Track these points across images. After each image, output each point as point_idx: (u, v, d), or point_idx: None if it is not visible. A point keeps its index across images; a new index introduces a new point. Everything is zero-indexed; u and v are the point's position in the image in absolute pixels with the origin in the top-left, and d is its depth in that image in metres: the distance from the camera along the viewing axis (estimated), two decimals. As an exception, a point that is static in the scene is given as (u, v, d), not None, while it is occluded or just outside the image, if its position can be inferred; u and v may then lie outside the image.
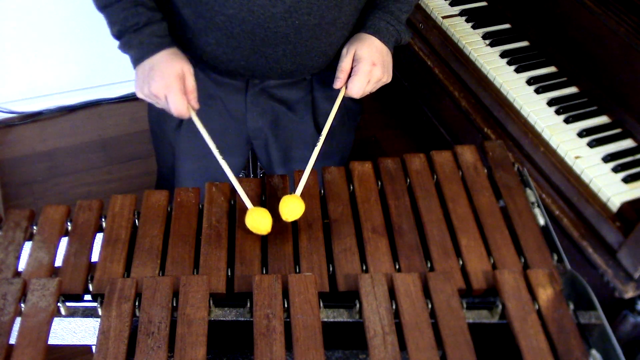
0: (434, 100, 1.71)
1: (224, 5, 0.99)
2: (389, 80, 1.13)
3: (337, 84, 1.09)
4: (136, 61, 1.04)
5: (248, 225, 0.89)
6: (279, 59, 1.07)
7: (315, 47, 1.08)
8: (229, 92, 1.17)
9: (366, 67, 1.07)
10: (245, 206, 0.91)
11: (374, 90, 1.13)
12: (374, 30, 1.10)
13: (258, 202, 0.94)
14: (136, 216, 0.92)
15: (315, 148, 1.00)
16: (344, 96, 1.09)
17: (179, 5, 1.05)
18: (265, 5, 0.98)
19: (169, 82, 1.00)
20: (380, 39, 1.10)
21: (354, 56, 1.09)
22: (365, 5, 1.13)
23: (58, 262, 0.86)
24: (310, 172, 0.97)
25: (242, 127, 1.21)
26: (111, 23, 1.05)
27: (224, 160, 0.98)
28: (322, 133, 1.03)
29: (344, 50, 1.10)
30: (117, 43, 1.07)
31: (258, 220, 0.89)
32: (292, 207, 0.90)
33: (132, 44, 1.03)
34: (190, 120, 1.18)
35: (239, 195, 0.93)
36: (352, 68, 1.09)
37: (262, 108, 1.19)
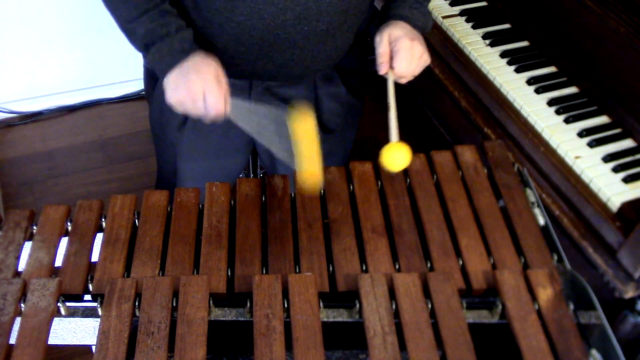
0: (434, 100, 1.71)
1: (234, 12, 0.99)
2: (429, 60, 1.10)
3: (382, 70, 1.06)
4: (166, 68, 1.00)
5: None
6: (285, 64, 1.08)
7: (322, 52, 1.08)
8: (232, 91, 1.17)
9: (406, 42, 1.04)
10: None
11: (419, 71, 1.09)
12: (401, 17, 1.09)
13: (258, 202, 0.94)
14: (136, 216, 0.92)
15: (391, 111, 1.00)
16: (393, 89, 1.06)
17: (188, 9, 1.05)
18: (276, 13, 0.98)
19: (207, 81, 0.97)
20: (409, 23, 1.08)
21: (389, 38, 1.06)
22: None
23: (58, 262, 0.86)
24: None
25: None
26: (139, 36, 1.01)
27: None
28: (390, 102, 1.02)
29: (377, 38, 1.07)
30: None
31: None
32: (398, 155, 0.90)
33: (163, 52, 1.00)
34: (193, 121, 1.17)
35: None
36: (391, 50, 1.06)
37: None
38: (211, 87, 0.97)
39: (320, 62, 1.11)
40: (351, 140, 1.35)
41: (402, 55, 1.04)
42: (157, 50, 1.00)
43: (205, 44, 1.07)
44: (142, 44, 1.01)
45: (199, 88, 0.97)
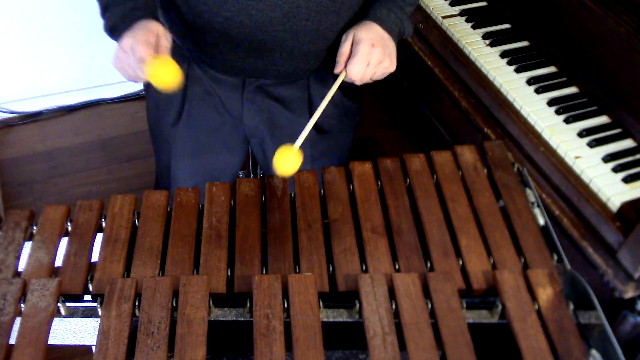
0: (434, 100, 1.71)
1: (222, 7, 0.99)
2: (393, 68, 1.09)
3: (337, 69, 1.05)
4: (118, 33, 1.00)
5: (151, 78, 0.87)
6: (275, 62, 1.07)
7: (312, 52, 1.08)
8: (225, 89, 1.17)
9: (365, 48, 1.03)
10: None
11: (379, 77, 1.08)
12: (375, 17, 1.07)
13: (258, 202, 0.94)
14: (136, 216, 0.92)
15: (311, 119, 0.98)
16: (337, 88, 1.04)
17: (178, 3, 1.05)
18: (264, 10, 0.98)
19: (135, 33, 0.96)
20: (382, 26, 1.07)
21: (353, 39, 1.05)
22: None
23: (58, 262, 0.86)
24: (311, 172, 0.97)
25: (239, 125, 1.21)
26: (100, 3, 1.03)
27: None
28: (317, 110, 0.99)
29: (344, 36, 1.07)
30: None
31: (161, 71, 0.87)
32: (288, 159, 0.88)
33: (115, 19, 1.00)
34: (187, 117, 1.17)
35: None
36: (351, 52, 1.04)
37: (259, 106, 1.19)
38: (137, 39, 0.95)
39: (311, 62, 1.10)
40: (348, 143, 1.34)
41: (358, 59, 1.02)
42: (110, 16, 1.01)
43: (199, 38, 1.07)
44: (101, 11, 1.03)
45: (128, 44, 0.96)
